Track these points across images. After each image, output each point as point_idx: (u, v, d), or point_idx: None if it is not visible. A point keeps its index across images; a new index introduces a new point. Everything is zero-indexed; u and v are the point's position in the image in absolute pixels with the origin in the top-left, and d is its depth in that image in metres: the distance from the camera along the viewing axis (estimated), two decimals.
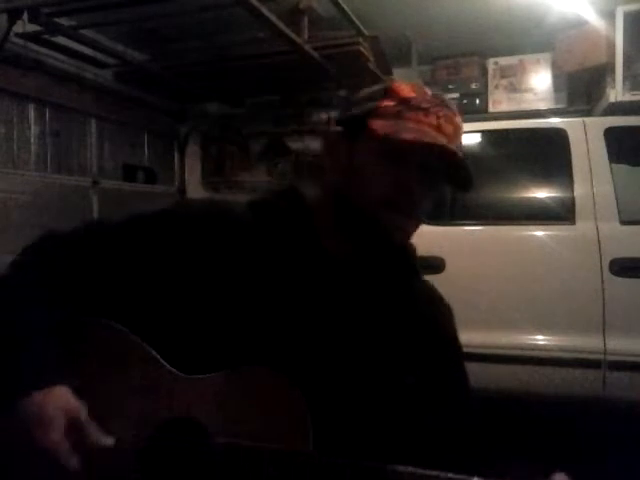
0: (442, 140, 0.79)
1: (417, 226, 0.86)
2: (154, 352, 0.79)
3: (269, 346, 0.78)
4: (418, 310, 0.89)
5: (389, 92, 0.84)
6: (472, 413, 0.90)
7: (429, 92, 0.84)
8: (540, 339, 2.60)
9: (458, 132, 0.83)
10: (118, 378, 0.79)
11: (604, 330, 2.50)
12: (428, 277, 0.96)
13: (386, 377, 0.82)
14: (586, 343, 2.52)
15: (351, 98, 0.90)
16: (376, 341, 0.83)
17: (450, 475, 0.68)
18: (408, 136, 0.78)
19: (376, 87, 0.87)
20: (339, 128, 0.88)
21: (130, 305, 0.82)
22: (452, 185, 0.86)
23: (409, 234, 0.87)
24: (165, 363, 0.78)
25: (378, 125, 0.80)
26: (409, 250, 0.94)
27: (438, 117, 0.81)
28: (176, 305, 0.81)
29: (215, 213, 0.86)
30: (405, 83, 0.86)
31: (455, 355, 0.93)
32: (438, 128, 0.80)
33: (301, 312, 0.81)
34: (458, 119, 0.84)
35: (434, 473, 0.68)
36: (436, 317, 0.91)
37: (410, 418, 0.81)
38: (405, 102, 0.81)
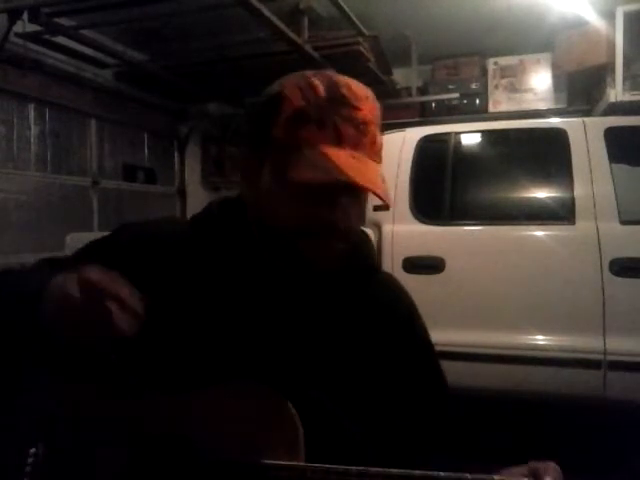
0: (343, 162, 0.71)
1: (347, 239, 0.78)
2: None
3: (225, 359, 0.77)
4: (369, 314, 0.86)
5: (282, 102, 0.75)
6: (445, 406, 0.88)
7: (321, 86, 0.74)
8: (540, 339, 2.60)
9: (366, 124, 0.74)
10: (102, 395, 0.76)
11: (604, 330, 2.50)
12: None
13: (342, 383, 0.80)
14: (586, 343, 2.52)
15: (251, 108, 0.83)
16: (329, 348, 0.82)
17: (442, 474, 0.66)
18: (305, 176, 0.71)
19: (271, 90, 0.79)
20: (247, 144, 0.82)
21: None
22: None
23: (335, 254, 0.78)
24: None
25: (275, 162, 0.75)
26: (363, 249, 0.90)
27: (335, 123, 0.73)
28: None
29: (149, 236, 0.84)
30: (294, 84, 0.76)
31: (419, 353, 0.89)
32: (338, 139, 0.73)
33: (243, 326, 0.80)
34: (364, 104, 0.75)
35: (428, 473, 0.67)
36: (394, 315, 0.88)
37: (373, 421, 0.80)
38: (296, 117, 0.74)
